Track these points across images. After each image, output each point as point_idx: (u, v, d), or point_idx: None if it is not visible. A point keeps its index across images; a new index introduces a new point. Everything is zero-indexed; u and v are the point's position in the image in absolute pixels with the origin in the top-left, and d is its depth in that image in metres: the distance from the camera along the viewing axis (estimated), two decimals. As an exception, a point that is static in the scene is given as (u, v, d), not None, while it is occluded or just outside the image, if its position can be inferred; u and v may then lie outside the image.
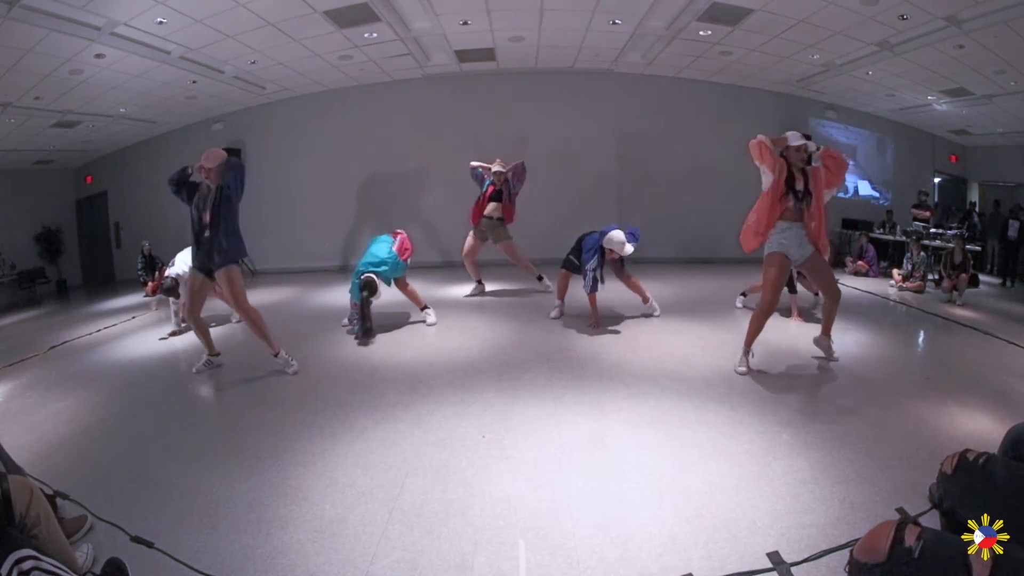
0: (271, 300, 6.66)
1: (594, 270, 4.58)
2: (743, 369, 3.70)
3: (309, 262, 9.02)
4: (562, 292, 5.22)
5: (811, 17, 5.85)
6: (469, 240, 6.12)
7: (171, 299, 5.25)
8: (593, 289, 4.66)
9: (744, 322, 3.91)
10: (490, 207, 5.94)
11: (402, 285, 5.03)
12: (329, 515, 2.20)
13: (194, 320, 4.02)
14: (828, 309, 3.81)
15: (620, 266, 4.89)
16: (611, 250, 4.58)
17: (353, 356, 4.32)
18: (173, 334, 5.26)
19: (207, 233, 3.73)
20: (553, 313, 5.20)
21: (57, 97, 6.77)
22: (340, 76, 8.18)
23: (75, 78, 6.29)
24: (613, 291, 6.03)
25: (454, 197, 8.55)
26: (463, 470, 2.52)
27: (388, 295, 5.72)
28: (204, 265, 3.82)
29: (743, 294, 5.62)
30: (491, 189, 5.92)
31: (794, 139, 3.46)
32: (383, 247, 4.85)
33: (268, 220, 8.62)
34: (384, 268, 4.69)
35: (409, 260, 5.00)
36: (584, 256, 4.67)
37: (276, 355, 3.94)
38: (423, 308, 5.16)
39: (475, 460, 2.60)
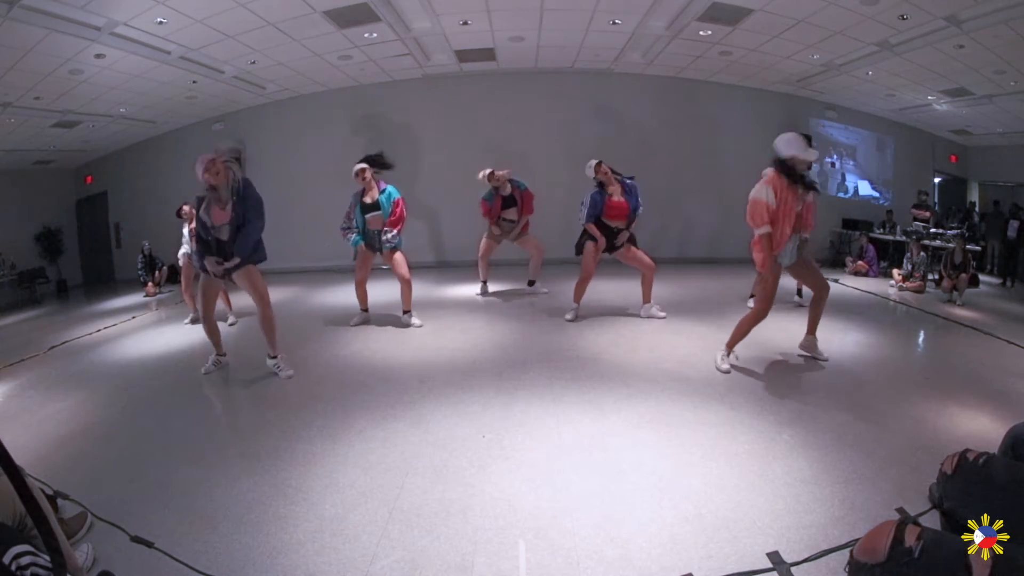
0: (271, 300, 6.64)
1: (585, 204, 4.97)
2: (726, 367, 3.69)
3: (309, 262, 9.02)
4: (579, 294, 5.14)
5: (811, 17, 5.85)
6: (484, 241, 6.04)
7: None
8: (588, 219, 4.95)
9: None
10: (509, 212, 5.83)
11: (393, 261, 4.84)
12: (329, 515, 2.20)
13: (206, 320, 3.98)
14: (816, 306, 3.81)
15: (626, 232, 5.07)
16: (603, 174, 5.01)
17: (353, 356, 4.32)
18: (195, 321, 5.55)
19: (224, 236, 3.65)
20: (568, 316, 5.13)
21: (57, 97, 6.76)
22: (340, 76, 8.18)
23: (75, 78, 6.29)
24: (615, 290, 6.04)
25: (453, 197, 8.57)
26: (463, 470, 2.52)
27: (386, 295, 5.71)
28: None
29: (752, 296, 5.58)
30: (499, 200, 5.77)
31: (787, 148, 3.35)
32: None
33: (268, 220, 8.55)
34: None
35: (397, 229, 4.82)
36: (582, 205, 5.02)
37: (273, 357, 3.93)
38: (405, 311, 5.05)
39: (475, 460, 2.60)
